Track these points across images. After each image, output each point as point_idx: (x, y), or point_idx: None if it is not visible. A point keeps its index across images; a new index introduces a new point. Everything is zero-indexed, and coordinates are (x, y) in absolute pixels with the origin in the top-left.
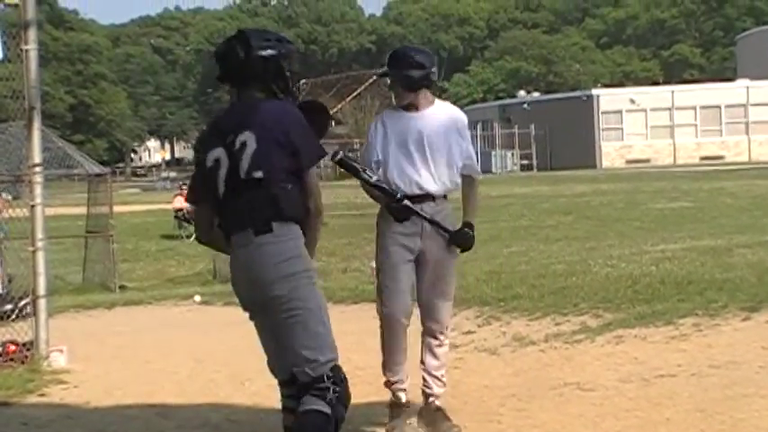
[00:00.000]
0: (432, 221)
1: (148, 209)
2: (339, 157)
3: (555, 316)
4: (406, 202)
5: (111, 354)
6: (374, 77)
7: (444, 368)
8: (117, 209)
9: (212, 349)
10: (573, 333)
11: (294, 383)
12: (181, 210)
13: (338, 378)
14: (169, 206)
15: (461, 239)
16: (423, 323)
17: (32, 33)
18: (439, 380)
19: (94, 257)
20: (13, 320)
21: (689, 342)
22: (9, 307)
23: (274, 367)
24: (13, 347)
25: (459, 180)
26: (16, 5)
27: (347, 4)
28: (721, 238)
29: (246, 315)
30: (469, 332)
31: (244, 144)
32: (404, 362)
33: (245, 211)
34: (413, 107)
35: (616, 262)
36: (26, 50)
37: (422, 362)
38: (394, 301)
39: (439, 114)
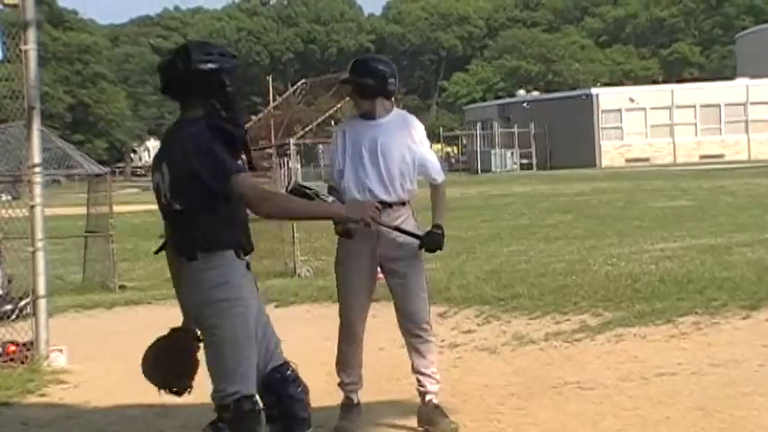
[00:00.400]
0: (399, 230)
1: (148, 209)
2: (291, 187)
3: (555, 315)
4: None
5: (112, 353)
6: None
7: (434, 365)
8: (117, 209)
9: None
10: (573, 332)
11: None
12: None
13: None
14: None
15: (430, 241)
16: (401, 325)
17: (32, 33)
18: (431, 377)
19: (94, 257)
20: (13, 320)
21: (689, 340)
22: (9, 307)
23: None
24: (13, 347)
25: (414, 187)
26: (15, 5)
27: (346, 4)
28: (721, 236)
29: None
30: (469, 331)
31: (164, 175)
32: (358, 365)
33: (176, 239)
34: (369, 115)
35: (616, 261)
36: (25, 50)
37: (411, 363)
38: (350, 309)
39: (394, 122)
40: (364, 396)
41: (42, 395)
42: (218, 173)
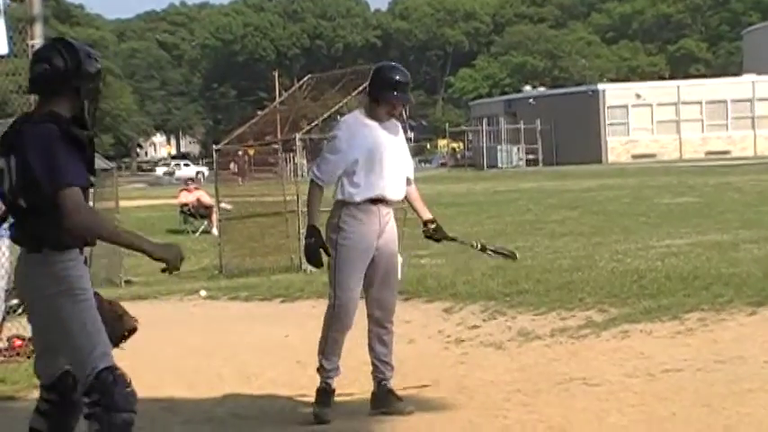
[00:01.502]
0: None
1: (154, 203)
2: None
3: (560, 311)
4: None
5: (117, 348)
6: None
7: (392, 353)
8: (123, 203)
9: (218, 344)
10: (578, 328)
11: (54, 390)
12: (186, 205)
13: (104, 385)
14: (175, 201)
15: (441, 235)
16: (370, 314)
17: (38, 28)
18: (389, 365)
19: (100, 252)
20: (19, 315)
21: (695, 337)
22: (15, 302)
23: (40, 370)
24: (19, 342)
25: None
26: (22, 1)
27: None
28: (727, 233)
29: (249, 310)
30: (475, 327)
31: (10, 166)
32: (340, 354)
33: (20, 231)
34: (383, 118)
35: (622, 257)
36: (32, 45)
37: (371, 350)
38: (348, 298)
39: (393, 126)
40: (368, 390)
41: None
42: (54, 178)
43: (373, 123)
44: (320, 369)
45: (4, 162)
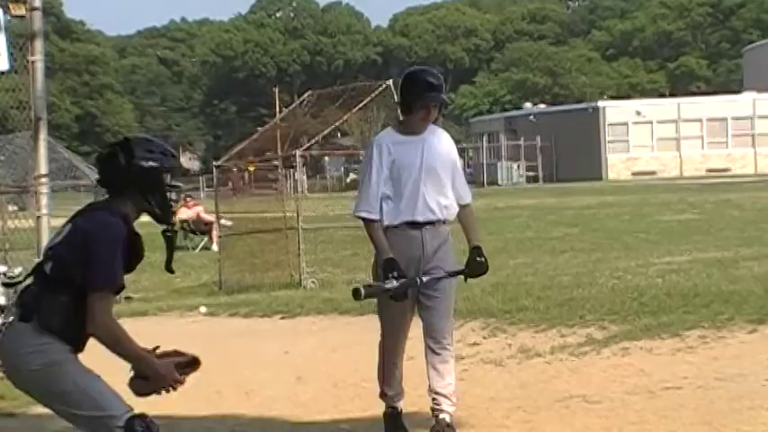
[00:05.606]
0: (451, 274)
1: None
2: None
3: (561, 328)
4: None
5: (117, 365)
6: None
7: (452, 386)
8: None
9: (217, 360)
10: (579, 345)
11: None
12: (186, 221)
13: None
14: (174, 217)
15: (477, 269)
16: (425, 340)
17: (39, 44)
18: (448, 398)
19: None
20: None
21: (695, 354)
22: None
23: None
24: None
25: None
26: (23, 16)
27: (353, 16)
28: (728, 250)
29: (248, 327)
30: (475, 344)
31: (61, 233)
32: (401, 376)
33: (27, 292)
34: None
35: (622, 274)
36: (33, 61)
37: (429, 382)
38: (398, 333)
39: (433, 137)
40: (369, 408)
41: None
42: (98, 279)
43: (407, 138)
44: (382, 395)
45: (65, 227)
